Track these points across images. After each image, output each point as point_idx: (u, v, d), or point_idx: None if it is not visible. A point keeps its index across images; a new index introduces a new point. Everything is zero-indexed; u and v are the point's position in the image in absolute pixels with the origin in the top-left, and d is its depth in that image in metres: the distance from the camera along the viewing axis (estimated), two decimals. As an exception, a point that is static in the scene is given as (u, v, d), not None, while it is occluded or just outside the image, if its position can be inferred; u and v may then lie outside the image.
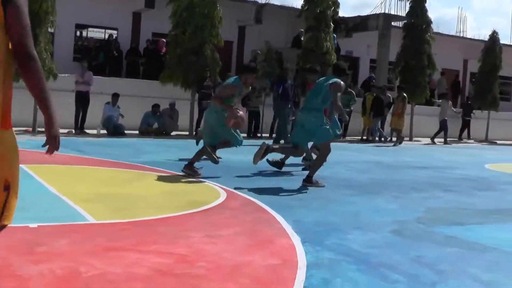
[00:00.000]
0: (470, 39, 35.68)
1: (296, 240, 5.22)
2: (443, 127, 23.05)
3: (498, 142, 26.57)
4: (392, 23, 26.41)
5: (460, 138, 26.46)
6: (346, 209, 7.03)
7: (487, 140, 26.53)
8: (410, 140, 23.00)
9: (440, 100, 24.13)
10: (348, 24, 26.73)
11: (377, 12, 27.33)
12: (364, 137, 21.56)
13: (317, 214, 6.57)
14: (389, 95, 22.44)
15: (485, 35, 28.37)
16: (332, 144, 9.03)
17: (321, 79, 9.43)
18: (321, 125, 8.85)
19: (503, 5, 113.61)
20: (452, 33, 36.43)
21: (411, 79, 23.09)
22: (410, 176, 10.91)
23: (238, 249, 4.83)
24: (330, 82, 8.91)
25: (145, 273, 3.98)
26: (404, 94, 21.41)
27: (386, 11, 27.41)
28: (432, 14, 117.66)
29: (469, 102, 27.58)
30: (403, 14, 25.28)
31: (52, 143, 2.85)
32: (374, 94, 21.51)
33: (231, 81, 9.53)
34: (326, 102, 9.08)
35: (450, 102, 23.96)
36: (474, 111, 26.44)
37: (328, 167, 10.87)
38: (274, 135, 18.55)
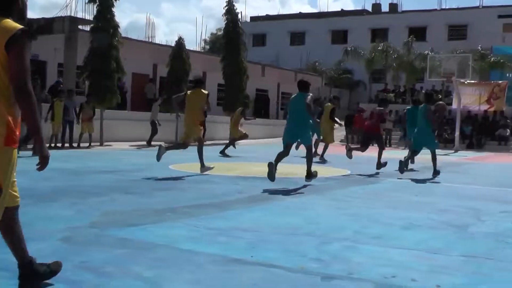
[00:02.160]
0: (159, 44, 36.73)
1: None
2: (153, 129, 24.40)
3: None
4: (80, 27, 26.01)
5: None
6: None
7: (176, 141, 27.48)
8: (101, 145, 22.90)
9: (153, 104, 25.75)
10: (32, 26, 25.75)
11: (63, 15, 26.74)
12: (53, 144, 20.81)
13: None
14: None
15: (173, 41, 29.40)
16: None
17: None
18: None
19: (190, 13, 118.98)
20: (143, 38, 37.27)
21: (100, 83, 22.92)
22: (92, 182, 10.80)
23: None
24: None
25: None
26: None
27: (73, 14, 26.99)
28: (125, 19, 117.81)
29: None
30: (91, 17, 24.96)
31: (44, 162, 3.74)
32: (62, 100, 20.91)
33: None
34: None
35: (158, 103, 25.53)
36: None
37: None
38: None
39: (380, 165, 14.89)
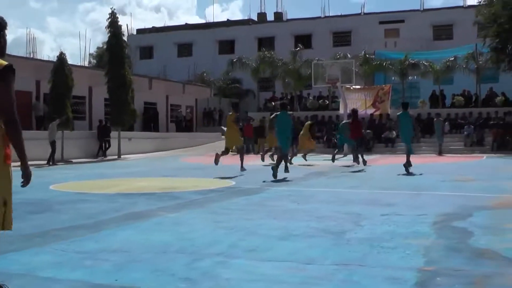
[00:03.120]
0: (41, 60, 35.59)
1: None
2: (53, 148, 24.59)
3: (74, 160, 26.84)
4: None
5: (97, 156, 29.70)
6: None
7: (63, 160, 26.54)
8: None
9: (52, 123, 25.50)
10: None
11: None
12: None
13: None
14: None
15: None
16: None
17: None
18: None
19: (77, 27, 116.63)
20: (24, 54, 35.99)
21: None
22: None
23: None
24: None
25: None
26: None
27: None
28: (9, 35, 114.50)
29: (108, 124, 30.65)
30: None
31: (28, 179, 4.31)
32: None
33: None
34: None
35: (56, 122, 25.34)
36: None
37: None
38: None
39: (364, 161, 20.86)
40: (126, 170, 20.15)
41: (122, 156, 29.84)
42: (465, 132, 34.17)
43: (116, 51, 29.39)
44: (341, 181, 15.33)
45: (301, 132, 24.01)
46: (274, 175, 15.11)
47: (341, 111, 34.35)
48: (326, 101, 41.06)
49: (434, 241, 6.70)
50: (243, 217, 8.58)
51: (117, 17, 30.01)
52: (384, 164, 23.43)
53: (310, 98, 42.47)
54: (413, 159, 23.17)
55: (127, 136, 32.01)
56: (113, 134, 30.54)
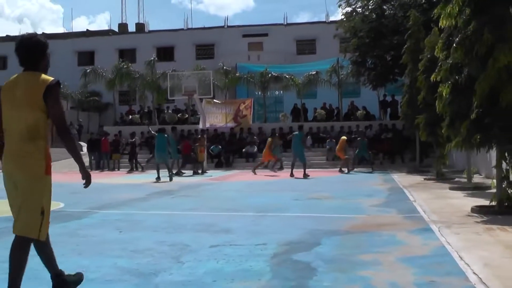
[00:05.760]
0: None
1: None
2: None
3: None
4: None
5: None
6: None
7: None
8: None
9: None
10: None
11: None
12: None
13: None
14: None
15: None
16: None
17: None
18: None
19: None
20: None
21: None
22: None
23: None
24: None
25: None
26: None
27: None
28: None
29: None
30: None
31: (89, 180, 4.82)
32: None
33: None
34: None
35: None
36: None
37: None
38: None
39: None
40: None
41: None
42: (327, 146, 33.68)
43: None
44: (184, 201, 13.76)
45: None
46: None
47: (200, 125, 32.97)
48: (185, 114, 39.47)
49: (266, 284, 5.33)
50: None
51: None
52: (240, 180, 22.08)
53: (170, 111, 40.68)
54: (272, 175, 22.29)
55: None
56: None
